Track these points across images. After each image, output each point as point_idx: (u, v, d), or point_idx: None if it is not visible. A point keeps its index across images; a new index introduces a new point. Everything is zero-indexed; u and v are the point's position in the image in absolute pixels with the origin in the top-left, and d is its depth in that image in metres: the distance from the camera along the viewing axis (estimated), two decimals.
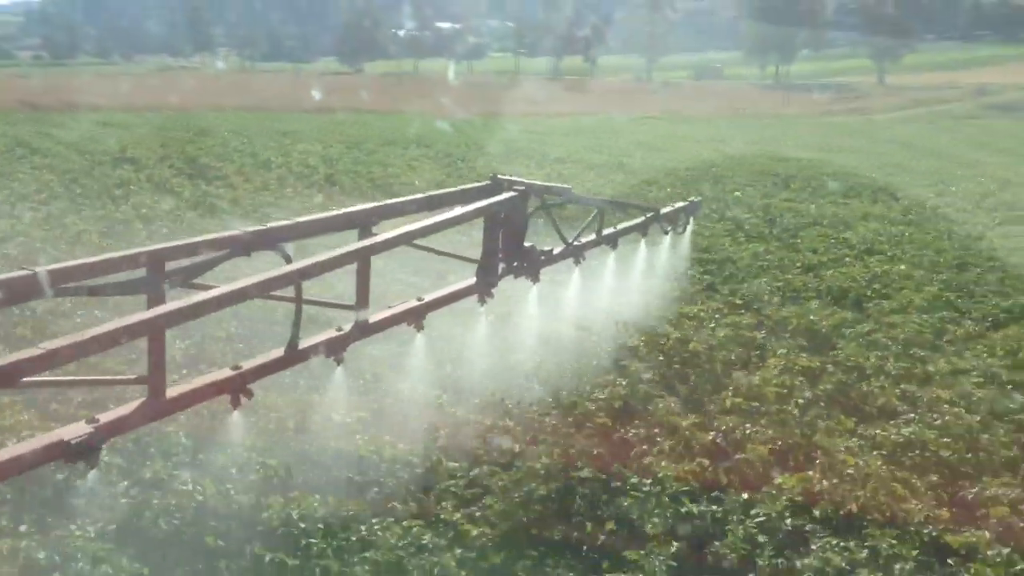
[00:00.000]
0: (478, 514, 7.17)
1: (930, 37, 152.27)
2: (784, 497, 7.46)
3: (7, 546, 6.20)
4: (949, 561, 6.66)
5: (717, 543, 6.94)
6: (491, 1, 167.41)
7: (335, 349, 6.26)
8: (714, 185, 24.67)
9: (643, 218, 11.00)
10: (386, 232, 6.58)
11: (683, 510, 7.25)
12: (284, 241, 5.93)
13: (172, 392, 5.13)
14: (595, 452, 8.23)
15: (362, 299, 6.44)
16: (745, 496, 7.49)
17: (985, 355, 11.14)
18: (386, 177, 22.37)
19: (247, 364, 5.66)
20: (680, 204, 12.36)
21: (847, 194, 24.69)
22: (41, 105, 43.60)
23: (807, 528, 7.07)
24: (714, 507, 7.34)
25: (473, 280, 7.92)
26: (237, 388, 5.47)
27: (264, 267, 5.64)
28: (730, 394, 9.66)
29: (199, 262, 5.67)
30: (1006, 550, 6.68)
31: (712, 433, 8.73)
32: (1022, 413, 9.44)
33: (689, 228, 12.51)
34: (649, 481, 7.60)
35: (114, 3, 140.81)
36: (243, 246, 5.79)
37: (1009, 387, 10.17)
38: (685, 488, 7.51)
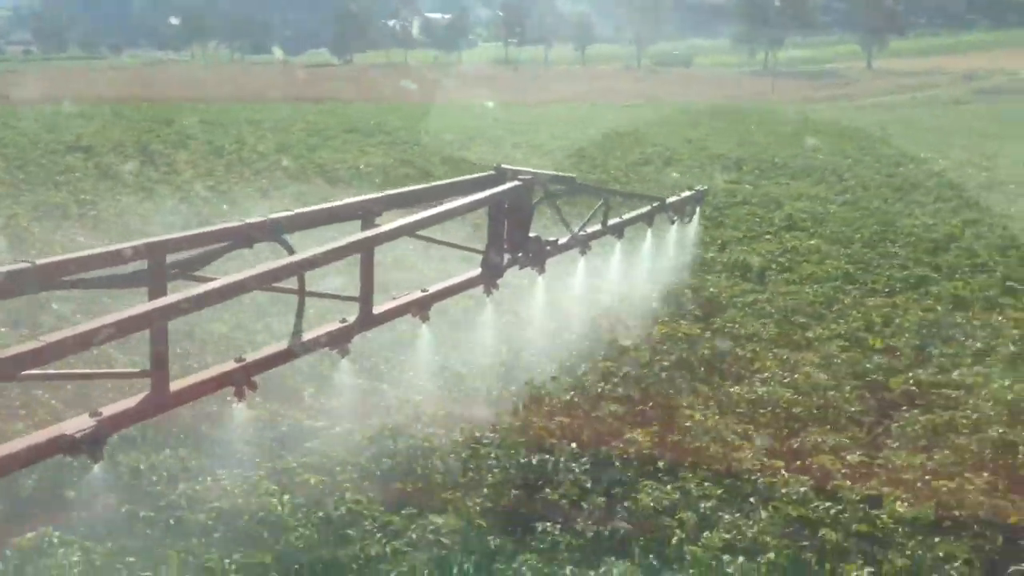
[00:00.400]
0: None
1: (921, 22, 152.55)
2: (627, 448, 7.91)
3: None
4: (751, 500, 7.11)
5: (548, 489, 7.38)
6: None
7: (339, 341, 6.21)
8: (663, 167, 25.10)
9: (649, 207, 11.08)
10: (389, 223, 6.53)
11: (522, 461, 7.68)
12: (286, 232, 5.91)
13: (175, 385, 5.10)
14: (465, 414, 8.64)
15: (366, 290, 6.37)
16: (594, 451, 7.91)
17: (860, 321, 11.56)
18: (332, 162, 22.77)
19: (250, 357, 5.62)
20: (686, 193, 12.36)
21: (795, 175, 25.12)
22: (18, 99, 44.11)
23: (629, 475, 7.51)
24: (550, 457, 7.76)
25: (478, 271, 7.85)
26: (241, 381, 5.44)
27: (267, 258, 5.66)
28: (601, 357, 10.09)
29: (201, 254, 5.65)
30: (803, 488, 7.13)
31: (572, 392, 9.16)
32: (876, 373, 9.88)
33: (695, 218, 12.56)
34: (493, 435, 8.07)
35: None
36: (245, 237, 5.75)
37: (871, 350, 10.62)
38: (522, 440, 7.95)
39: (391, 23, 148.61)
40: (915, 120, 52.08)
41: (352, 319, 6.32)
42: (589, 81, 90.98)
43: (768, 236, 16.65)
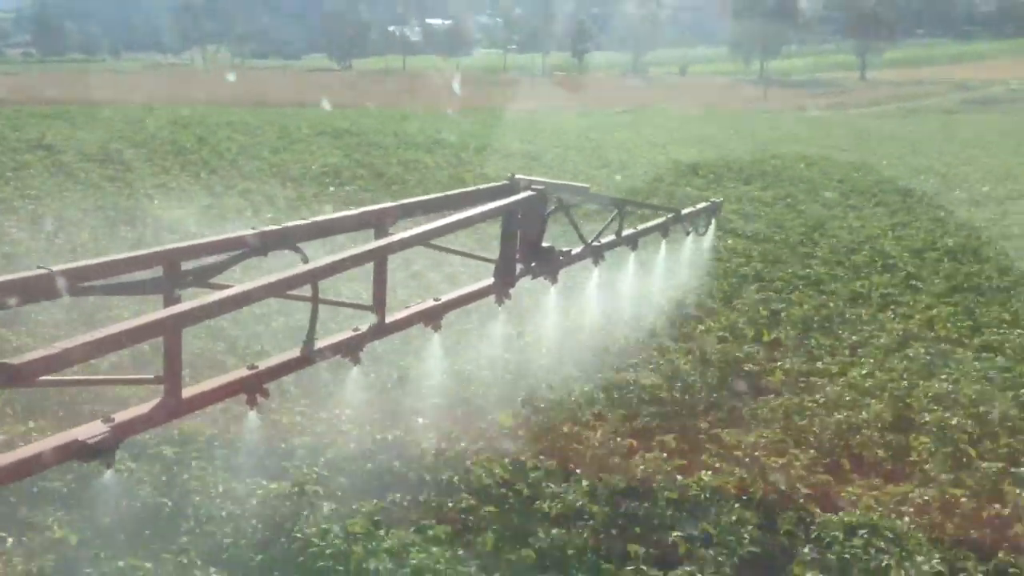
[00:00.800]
0: None
1: (920, 33, 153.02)
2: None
3: None
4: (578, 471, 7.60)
5: None
6: None
7: (351, 349, 6.26)
8: (616, 171, 25.59)
9: (664, 219, 11.09)
10: (402, 232, 6.55)
11: None
12: (300, 241, 5.94)
13: (188, 392, 5.11)
14: None
15: (379, 298, 6.39)
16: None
17: (748, 316, 11.99)
18: (283, 164, 23.32)
19: (263, 364, 5.65)
20: (701, 205, 12.33)
21: (748, 179, 25.57)
22: (3, 100, 44.75)
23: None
24: None
25: (491, 280, 7.86)
26: (253, 388, 5.46)
27: (281, 267, 5.66)
28: None
29: (215, 262, 5.66)
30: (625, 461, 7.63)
31: None
32: (749, 363, 10.29)
33: (711, 229, 12.53)
34: None
35: (105, 1, 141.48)
36: (259, 246, 5.78)
37: (751, 342, 11.05)
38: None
39: (392, 29, 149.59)
40: (892, 130, 52.51)
41: (365, 328, 6.38)
42: (579, 90, 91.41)
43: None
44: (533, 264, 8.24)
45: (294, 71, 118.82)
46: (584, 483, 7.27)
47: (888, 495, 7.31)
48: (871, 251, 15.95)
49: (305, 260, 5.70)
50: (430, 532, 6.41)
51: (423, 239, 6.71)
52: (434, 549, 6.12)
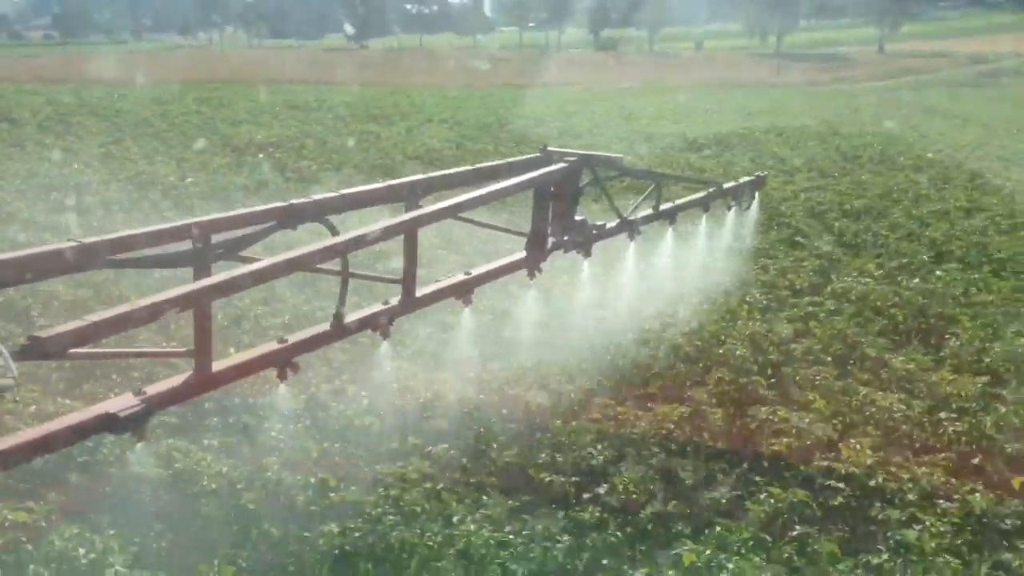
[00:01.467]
0: None
1: (944, 4, 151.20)
2: None
3: None
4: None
5: None
6: None
7: (381, 324, 6.20)
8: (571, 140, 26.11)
9: (704, 192, 10.47)
10: (433, 204, 6.48)
11: None
12: (330, 213, 5.89)
13: (218, 365, 5.09)
14: None
15: (409, 272, 6.30)
16: None
17: None
18: (233, 135, 24.12)
19: (293, 337, 5.62)
20: (745, 179, 11.56)
21: (719, 153, 25.95)
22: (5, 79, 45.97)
23: None
24: None
25: (523, 254, 7.68)
26: (283, 361, 5.45)
27: (311, 239, 5.65)
28: None
29: (246, 234, 5.60)
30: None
31: None
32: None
33: (755, 204, 11.67)
34: None
35: None
36: (289, 218, 5.72)
37: None
38: None
39: (408, 7, 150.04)
40: (889, 101, 52.40)
41: (395, 301, 6.31)
42: (587, 66, 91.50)
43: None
44: (566, 238, 8.00)
45: (309, 51, 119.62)
46: None
47: None
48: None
49: (335, 233, 5.66)
50: None
51: (454, 212, 6.54)
52: None
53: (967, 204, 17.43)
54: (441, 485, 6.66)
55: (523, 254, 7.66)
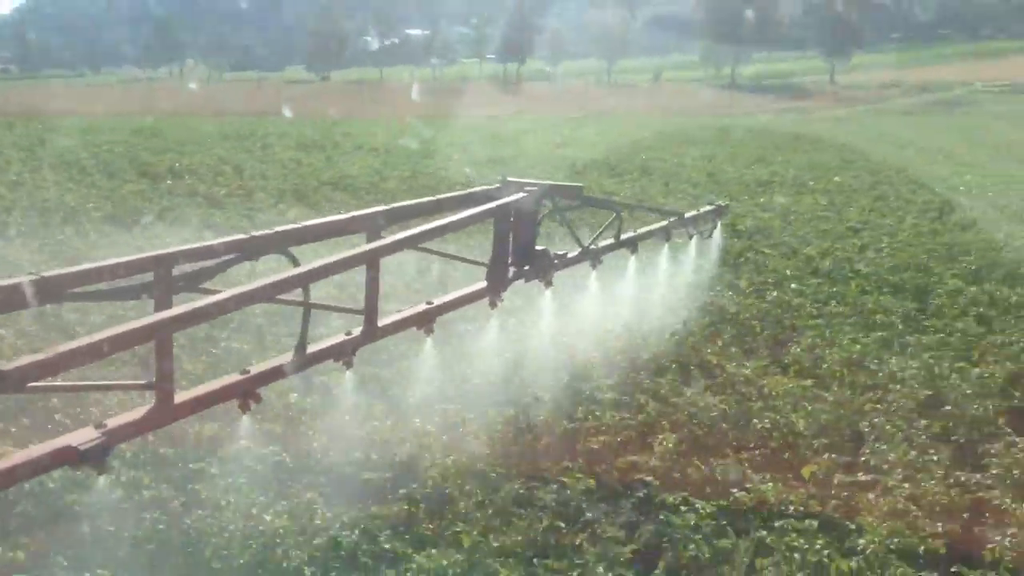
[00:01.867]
0: None
1: (895, 36, 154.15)
2: None
3: None
4: None
5: None
6: (466, 6, 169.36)
7: (344, 353, 6.20)
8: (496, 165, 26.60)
9: (666, 222, 10.67)
10: (394, 235, 6.51)
11: None
12: (291, 244, 5.94)
13: (180, 397, 5.07)
14: None
15: (371, 303, 6.30)
16: None
17: None
18: (158, 162, 24.48)
19: (255, 368, 5.60)
20: (706, 208, 11.76)
21: (636, 178, 26.49)
22: None
23: None
24: None
25: (484, 284, 7.70)
26: (246, 392, 5.43)
27: (272, 271, 5.63)
28: None
29: (206, 266, 5.62)
30: None
31: None
32: None
33: (717, 232, 11.97)
34: None
35: (85, 17, 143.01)
36: (250, 250, 5.77)
37: None
38: None
39: (368, 39, 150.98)
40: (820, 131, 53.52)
41: (357, 331, 6.31)
42: (534, 97, 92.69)
43: None
44: (526, 267, 8.07)
45: (270, 83, 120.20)
46: None
47: None
48: None
49: (296, 264, 5.71)
50: None
51: (414, 242, 6.60)
52: None
53: (858, 223, 18.01)
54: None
55: (484, 284, 7.67)
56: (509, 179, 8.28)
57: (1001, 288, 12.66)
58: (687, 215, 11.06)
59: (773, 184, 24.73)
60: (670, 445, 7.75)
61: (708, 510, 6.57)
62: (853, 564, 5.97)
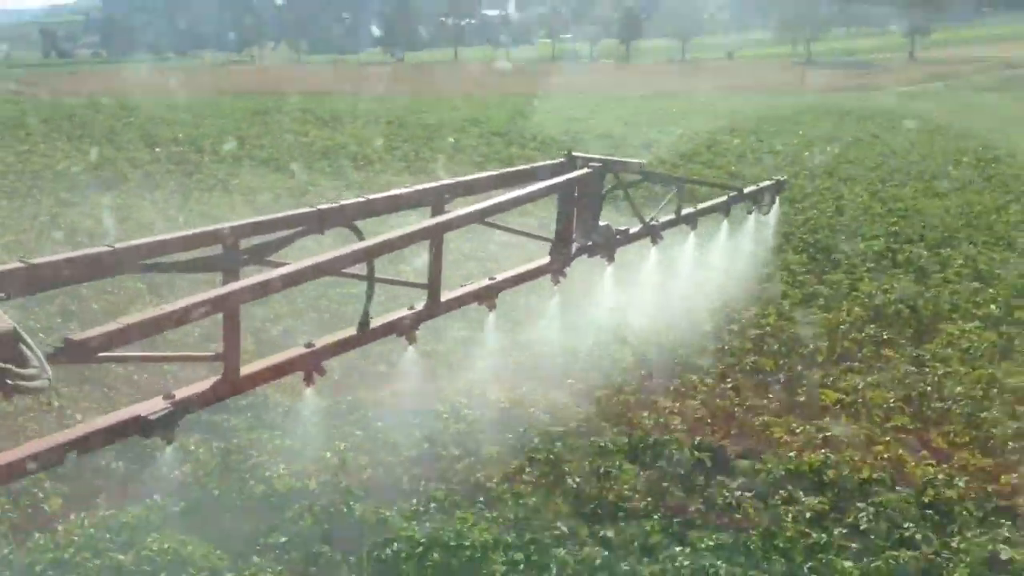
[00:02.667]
0: None
1: (985, 10, 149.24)
2: None
3: None
4: None
5: None
6: None
7: (407, 328, 6.24)
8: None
9: (725, 197, 10.61)
10: (458, 209, 6.54)
11: None
12: (357, 218, 5.97)
13: (246, 370, 5.15)
14: None
15: (434, 277, 6.31)
16: None
17: None
18: (161, 135, 25.79)
19: (319, 342, 5.64)
20: (764, 183, 11.62)
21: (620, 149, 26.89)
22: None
23: None
24: None
25: (547, 259, 7.74)
26: (310, 366, 5.50)
27: (337, 244, 5.76)
28: None
29: (273, 239, 5.67)
30: None
31: None
32: None
33: (775, 209, 11.74)
34: None
35: (171, 2, 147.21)
36: (317, 223, 5.80)
37: None
38: None
39: (445, 20, 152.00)
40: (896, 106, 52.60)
41: (420, 306, 6.36)
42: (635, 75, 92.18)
43: None
44: (590, 243, 8.08)
45: (345, 64, 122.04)
46: None
47: None
48: None
49: (361, 237, 5.77)
50: None
51: (479, 217, 6.63)
52: None
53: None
54: None
55: (547, 259, 7.71)
56: (574, 154, 8.31)
57: None
58: (746, 190, 11.01)
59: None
60: None
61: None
62: None
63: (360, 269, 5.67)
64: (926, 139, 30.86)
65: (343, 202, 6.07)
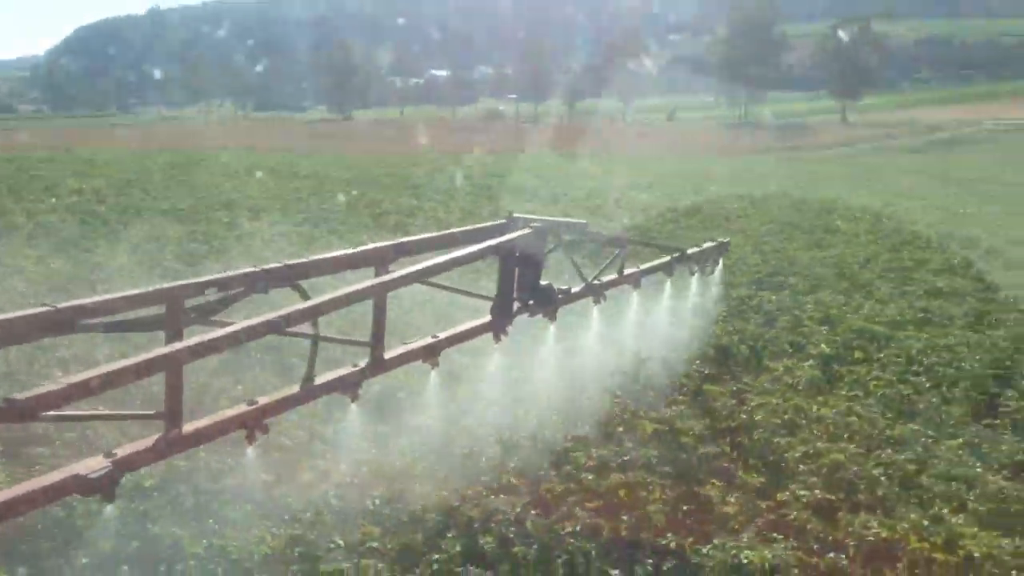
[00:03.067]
0: None
1: (917, 76, 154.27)
2: None
3: None
4: None
5: None
6: (488, 48, 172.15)
7: (350, 385, 6.30)
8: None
9: (668, 258, 10.62)
10: (401, 269, 6.60)
11: None
12: (301, 278, 6.02)
13: (189, 427, 5.14)
14: None
15: (378, 335, 6.39)
16: None
17: None
18: (61, 185, 26.00)
19: (262, 400, 5.66)
20: (708, 244, 11.70)
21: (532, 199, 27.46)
22: None
23: None
24: None
25: (489, 318, 7.78)
26: (253, 423, 5.51)
27: (281, 303, 5.64)
28: None
29: (217, 299, 5.68)
30: None
31: None
32: None
33: (718, 270, 11.89)
34: None
35: (114, 60, 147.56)
36: (261, 283, 5.83)
37: None
38: None
39: (391, 80, 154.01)
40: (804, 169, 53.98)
41: (363, 364, 6.39)
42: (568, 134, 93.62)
43: None
44: (531, 302, 8.09)
45: (286, 122, 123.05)
46: None
47: None
48: None
49: (306, 297, 5.80)
50: None
51: (421, 276, 6.69)
52: None
53: None
54: None
55: (489, 318, 7.75)
56: (515, 215, 8.34)
57: None
58: (689, 251, 11.00)
59: None
60: None
61: None
62: None
63: (305, 328, 5.70)
64: (830, 195, 31.86)
65: (286, 262, 6.12)
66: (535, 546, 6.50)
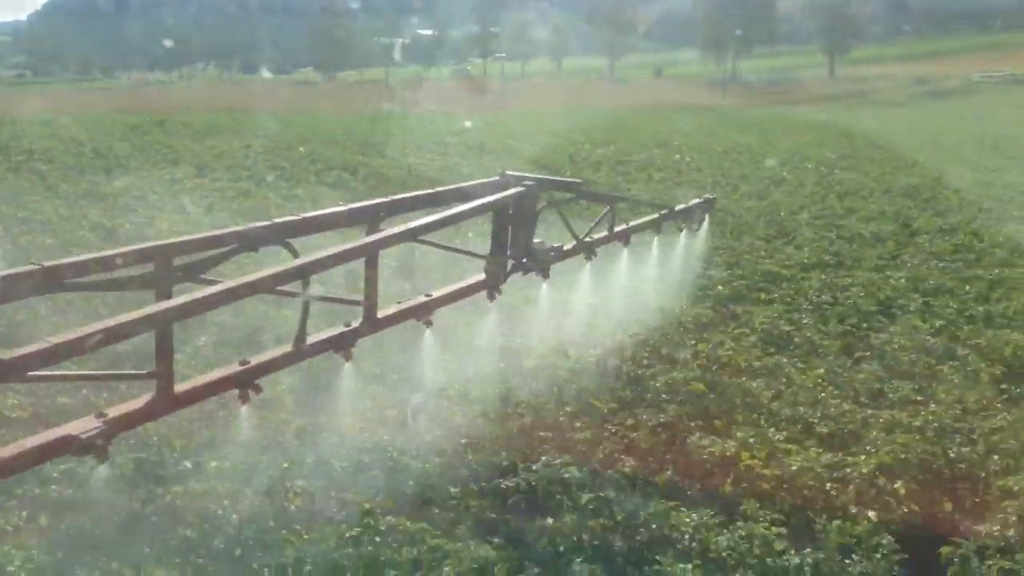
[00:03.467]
0: None
1: (906, 29, 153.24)
2: None
3: None
4: None
5: None
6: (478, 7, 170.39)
7: (343, 345, 6.23)
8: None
9: (657, 215, 10.85)
10: (393, 227, 6.57)
11: None
12: (292, 236, 5.96)
13: (180, 387, 5.12)
14: None
15: (370, 294, 6.35)
16: None
17: None
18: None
19: (255, 359, 5.61)
20: (695, 201, 12.01)
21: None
22: None
23: None
24: None
25: (482, 276, 7.81)
26: (245, 383, 5.46)
27: (271, 262, 5.64)
28: None
29: (206, 257, 5.61)
30: None
31: None
32: None
33: (704, 226, 12.10)
34: None
35: (101, 22, 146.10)
36: (250, 241, 5.78)
37: None
38: None
39: (378, 40, 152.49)
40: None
41: (356, 323, 6.35)
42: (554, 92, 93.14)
43: None
44: (524, 260, 8.19)
45: (272, 84, 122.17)
46: None
47: None
48: None
49: (296, 255, 5.74)
50: None
51: (414, 235, 6.66)
52: None
53: None
54: None
55: (482, 276, 7.77)
56: (508, 172, 8.39)
57: None
58: (676, 208, 11.26)
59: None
60: None
61: None
62: None
63: (296, 287, 5.65)
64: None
65: (276, 220, 6.11)
66: None
